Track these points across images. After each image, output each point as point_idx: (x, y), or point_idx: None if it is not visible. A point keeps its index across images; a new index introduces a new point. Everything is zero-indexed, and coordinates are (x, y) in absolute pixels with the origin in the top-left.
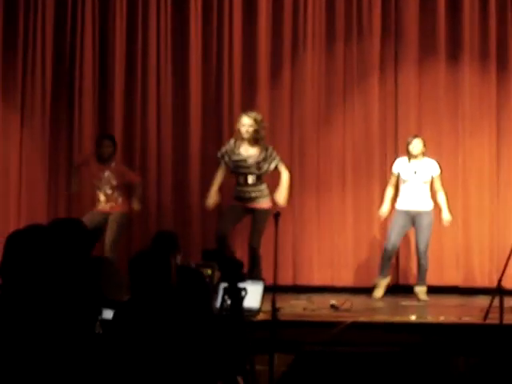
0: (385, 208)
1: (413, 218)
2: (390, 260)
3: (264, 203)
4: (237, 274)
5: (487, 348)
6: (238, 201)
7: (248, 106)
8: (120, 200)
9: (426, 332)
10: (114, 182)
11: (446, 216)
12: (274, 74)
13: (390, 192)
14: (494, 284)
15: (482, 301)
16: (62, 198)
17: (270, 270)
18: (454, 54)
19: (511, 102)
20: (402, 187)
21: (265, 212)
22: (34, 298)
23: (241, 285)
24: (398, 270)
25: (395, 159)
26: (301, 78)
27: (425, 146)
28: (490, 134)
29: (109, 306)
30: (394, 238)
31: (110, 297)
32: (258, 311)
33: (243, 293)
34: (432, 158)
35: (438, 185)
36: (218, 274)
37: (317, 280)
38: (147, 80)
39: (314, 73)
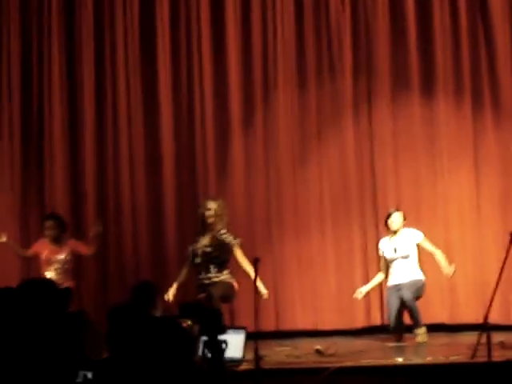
0: (364, 288)
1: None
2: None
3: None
4: (216, 326)
5: None
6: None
7: (221, 153)
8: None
9: (413, 374)
10: (66, 265)
11: (447, 271)
12: (246, 117)
13: (378, 276)
14: (480, 320)
15: (469, 337)
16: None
17: (252, 317)
18: (428, 88)
19: (488, 136)
20: (390, 266)
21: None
22: (8, 362)
23: (221, 337)
24: (383, 311)
25: (373, 195)
26: (273, 119)
27: (405, 218)
28: (468, 169)
29: (86, 367)
30: (392, 314)
31: (88, 354)
32: (241, 361)
33: (224, 345)
34: (411, 195)
35: (428, 247)
36: (196, 327)
37: (300, 324)
38: (118, 131)
39: (287, 114)
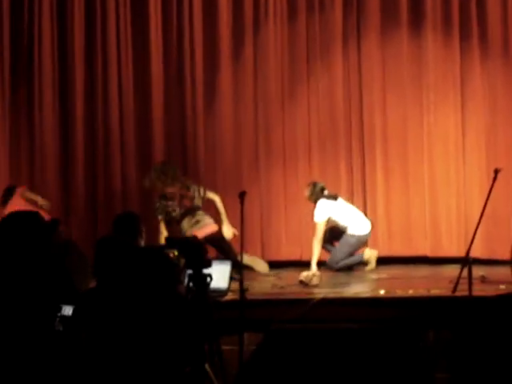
0: None
1: None
2: None
3: None
4: (201, 260)
5: (457, 320)
6: None
7: (211, 83)
8: None
9: (395, 306)
10: None
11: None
12: (235, 49)
13: None
14: (462, 253)
15: (451, 270)
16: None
17: (237, 248)
18: (417, 23)
19: (475, 72)
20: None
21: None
22: None
23: (206, 270)
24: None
25: (360, 131)
26: (263, 52)
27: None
28: (454, 104)
29: (73, 297)
30: None
31: (76, 283)
32: (227, 291)
33: (208, 279)
34: (397, 129)
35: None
36: (182, 261)
37: (285, 255)
38: (108, 65)
39: (277, 47)
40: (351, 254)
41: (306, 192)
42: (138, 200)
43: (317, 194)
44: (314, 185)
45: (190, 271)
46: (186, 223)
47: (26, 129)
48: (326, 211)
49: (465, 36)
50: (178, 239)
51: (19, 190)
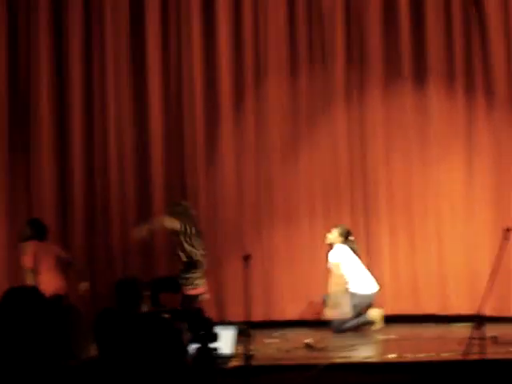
0: None
1: None
2: None
3: None
4: (209, 334)
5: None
6: None
7: (211, 140)
8: None
9: (406, 371)
10: None
11: None
12: (237, 102)
13: None
14: (470, 311)
15: (460, 330)
16: None
17: (243, 310)
18: (420, 77)
19: (480, 125)
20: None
21: None
22: None
23: (212, 345)
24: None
25: (364, 187)
26: (264, 108)
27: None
28: (460, 158)
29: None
30: None
31: (75, 350)
32: (231, 357)
33: (215, 352)
34: (402, 184)
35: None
36: (187, 336)
37: (289, 314)
38: (106, 106)
39: (278, 102)
40: (357, 315)
41: (334, 232)
42: (139, 260)
43: (344, 236)
44: (342, 227)
45: (196, 345)
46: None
47: (24, 182)
48: (341, 256)
49: (469, 88)
50: (184, 312)
51: (55, 249)
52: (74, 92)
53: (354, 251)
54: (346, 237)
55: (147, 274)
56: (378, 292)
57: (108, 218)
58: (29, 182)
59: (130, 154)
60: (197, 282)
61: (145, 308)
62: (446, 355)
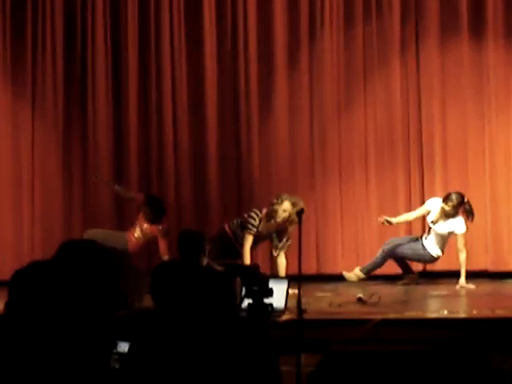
0: (391, 219)
1: None
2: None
3: None
4: (262, 289)
5: None
6: None
7: (265, 92)
8: None
9: (458, 328)
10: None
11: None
12: (291, 58)
13: (408, 215)
14: None
15: None
16: (77, 193)
17: (295, 263)
18: (478, 31)
19: None
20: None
21: None
22: (42, 335)
23: (267, 300)
24: None
25: (419, 141)
26: (319, 61)
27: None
28: None
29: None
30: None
31: (129, 299)
32: (283, 311)
33: (269, 308)
34: (457, 139)
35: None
36: (241, 290)
37: (342, 268)
38: (161, 66)
39: (333, 56)
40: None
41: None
42: (192, 208)
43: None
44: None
45: (249, 301)
46: None
47: (80, 142)
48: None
49: None
50: (238, 266)
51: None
52: (130, 47)
53: None
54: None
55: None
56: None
57: (163, 173)
58: (85, 137)
59: (184, 113)
60: None
61: (205, 261)
62: (500, 312)
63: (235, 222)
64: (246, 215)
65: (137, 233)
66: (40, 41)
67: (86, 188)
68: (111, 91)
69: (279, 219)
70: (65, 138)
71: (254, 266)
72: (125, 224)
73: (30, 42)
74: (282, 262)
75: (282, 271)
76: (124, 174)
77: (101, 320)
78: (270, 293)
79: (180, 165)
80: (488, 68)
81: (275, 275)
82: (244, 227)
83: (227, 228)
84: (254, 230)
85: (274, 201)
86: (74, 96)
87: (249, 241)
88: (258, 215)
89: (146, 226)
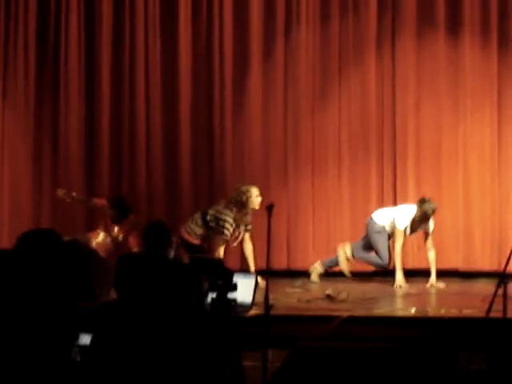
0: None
1: None
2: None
3: None
4: (228, 284)
5: (491, 342)
6: None
7: (240, 86)
8: None
9: (426, 326)
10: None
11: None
12: (266, 51)
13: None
14: (495, 267)
15: (483, 286)
16: (47, 185)
17: (264, 257)
18: (454, 27)
19: None
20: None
21: None
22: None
23: (231, 295)
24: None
25: (393, 137)
26: (295, 55)
27: None
28: (491, 111)
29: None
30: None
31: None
32: (251, 306)
33: (233, 303)
34: (431, 135)
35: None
36: (206, 285)
37: (312, 264)
38: (135, 60)
39: (309, 51)
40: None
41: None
42: (164, 200)
43: None
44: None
45: (213, 295)
46: None
47: (51, 134)
48: None
49: (504, 39)
50: (202, 259)
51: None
52: (103, 42)
53: None
54: None
55: (171, 220)
56: None
57: (136, 166)
58: (56, 129)
59: (157, 107)
60: None
61: (172, 253)
62: (467, 311)
63: (193, 221)
64: (212, 217)
65: (100, 237)
66: (12, 32)
67: (55, 180)
68: (84, 84)
69: (257, 206)
70: (35, 129)
71: (218, 260)
72: (96, 219)
73: (3, 33)
74: (249, 246)
75: (251, 255)
76: (96, 167)
77: (62, 311)
78: (233, 288)
79: (152, 158)
80: (464, 65)
81: (244, 270)
82: (218, 232)
83: (185, 234)
84: (229, 236)
85: (241, 194)
86: (46, 88)
87: (223, 246)
88: (230, 215)
89: (116, 228)
